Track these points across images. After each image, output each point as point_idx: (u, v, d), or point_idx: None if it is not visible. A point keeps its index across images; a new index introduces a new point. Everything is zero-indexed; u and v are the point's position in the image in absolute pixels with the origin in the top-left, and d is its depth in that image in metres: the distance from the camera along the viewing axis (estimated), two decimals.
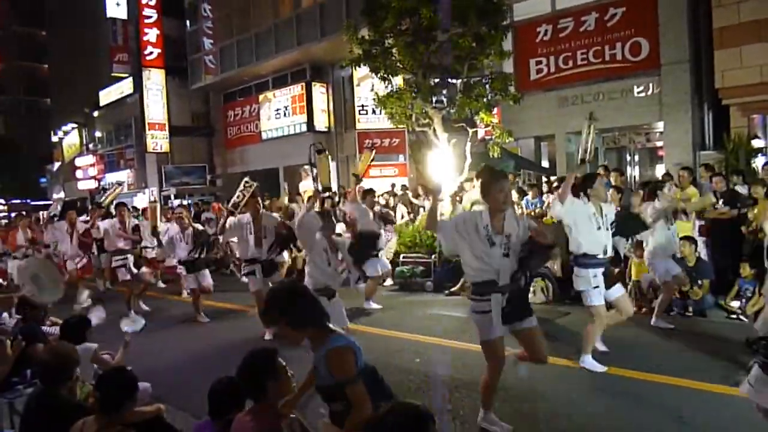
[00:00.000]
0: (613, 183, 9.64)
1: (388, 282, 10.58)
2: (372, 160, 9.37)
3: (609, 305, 5.56)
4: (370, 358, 3.57)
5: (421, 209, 12.50)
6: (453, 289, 9.80)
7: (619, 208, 7.50)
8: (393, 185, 15.51)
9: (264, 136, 23.33)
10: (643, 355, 5.80)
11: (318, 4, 19.56)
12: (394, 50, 11.94)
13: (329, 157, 6.95)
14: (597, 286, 5.35)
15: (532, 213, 10.42)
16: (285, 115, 22.21)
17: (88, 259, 10.92)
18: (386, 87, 12.21)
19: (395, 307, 9.04)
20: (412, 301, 9.33)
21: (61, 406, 3.34)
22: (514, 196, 9.32)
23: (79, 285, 10.61)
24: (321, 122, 21.14)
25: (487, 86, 11.93)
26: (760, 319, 3.21)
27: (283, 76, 22.51)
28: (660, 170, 13.89)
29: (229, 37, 23.44)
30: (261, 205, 7.99)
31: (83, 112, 33.20)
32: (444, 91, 11.39)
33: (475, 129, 12.24)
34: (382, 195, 12.95)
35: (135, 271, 9.57)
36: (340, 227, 8.69)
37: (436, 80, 11.53)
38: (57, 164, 39.97)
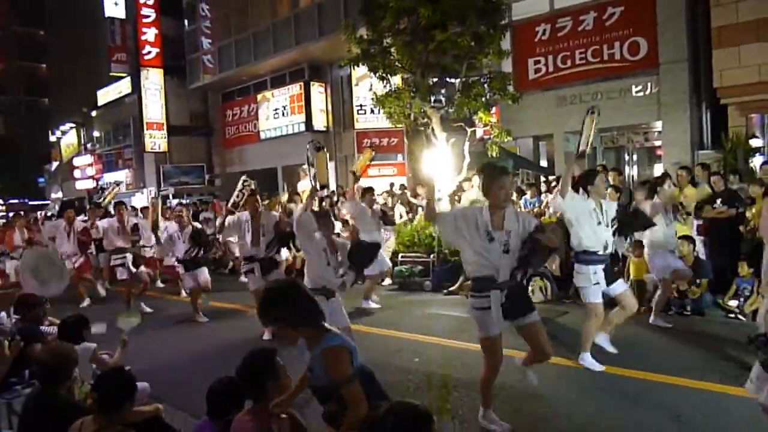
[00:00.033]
0: (612, 182, 9.65)
1: (387, 281, 10.59)
2: (372, 160, 9.36)
3: (613, 302, 5.57)
4: (368, 358, 3.58)
5: (420, 209, 12.50)
6: (452, 289, 9.80)
7: (625, 205, 7.47)
8: (391, 185, 15.52)
9: (262, 135, 23.32)
10: (641, 355, 5.81)
11: (316, 3, 19.56)
12: (392, 50, 11.95)
13: (327, 154, 6.93)
14: (597, 283, 5.36)
15: (531, 212, 10.43)
16: (283, 114, 22.20)
17: (86, 258, 10.90)
18: (385, 86, 12.22)
19: (394, 307, 9.04)
20: (410, 300, 9.34)
21: (60, 407, 3.34)
22: (513, 195, 9.31)
23: (79, 286, 10.60)
24: (319, 122, 21.14)
25: (486, 86, 11.95)
26: (760, 315, 3.24)
27: (282, 76, 22.51)
28: (658, 170, 13.91)
29: (227, 37, 23.43)
30: (260, 203, 7.99)
31: (81, 112, 33.17)
32: (442, 91, 11.42)
33: (473, 128, 12.26)
34: (381, 194, 12.96)
35: (134, 270, 9.56)
36: (338, 227, 8.70)
37: (435, 80, 11.54)
38: (55, 164, 39.92)
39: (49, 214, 12.47)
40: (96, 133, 33.09)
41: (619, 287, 5.52)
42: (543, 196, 11.23)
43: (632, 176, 14.99)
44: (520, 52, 15.22)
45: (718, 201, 8.36)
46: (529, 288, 5.02)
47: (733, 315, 7.30)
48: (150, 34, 26.32)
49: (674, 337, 6.55)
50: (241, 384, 3.02)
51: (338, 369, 2.66)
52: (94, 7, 29.21)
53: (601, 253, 5.36)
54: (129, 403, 3.12)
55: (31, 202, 38.47)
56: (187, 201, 22.47)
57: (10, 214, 22.16)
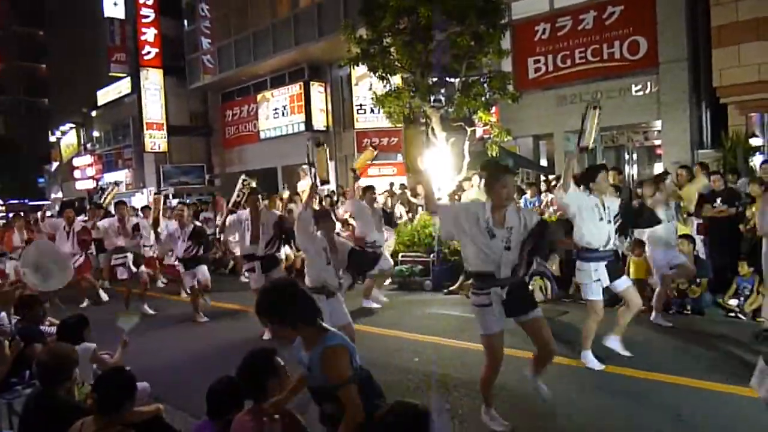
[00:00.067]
0: (612, 181, 9.64)
1: (387, 281, 10.58)
2: (373, 159, 9.35)
3: (614, 300, 5.57)
4: (368, 357, 3.58)
5: (420, 208, 12.50)
6: (452, 288, 9.80)
7: (629, 200, 7.43)
8: (391, 184, 15.51)
9: (262, 135, 23.31)
10: (641, 354, 5.80)
11: (316, 3, 19.55)
12: (392, 49, 11.95)
13: (327, 150, 6.91)
14: (597, 280, 5.37)
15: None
16: (283, 114, 22.19)
17: (86, 258, 10.90)
18: (384, 86, 12.23)
19: (394, 306, 9.04)
20: (410, 300, 9.34)
21: (60, 407, 3.34)
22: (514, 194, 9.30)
23: (81, 284, 10.60)
24: (319, 121, 21.14)
25: (486, 85, 11.96)
26: (764, 310, 3.24)
27: (281, 76, 22.50)
28: (658, 169, 13.90)
29: (227, 37, 23.42)
30: (261, 201, 7.99)
31: (81, 112, 33.16)
32: (442, 90, 11.41)
33: (473, 128, 12.26)
34: (381, 194, 12.96)
35: (134, 269, 9.55)
36: (337, 227, 8.68)
37: (435, 79, 11.54)
38: (55, 164, 39.93)
39: (49, 213, 12.41)
40: (96, 134, 33.09)
41: (623, 284, 5.52)
42: (543, 195, 11.22)
43: (632, 175, 14.98)
44: (519, 52, 15.21)
45: (718, 200, 8.36)
46: (530, 287, 4.97)
47: (733, 314, 7.31)
48: (149, 34, 26.31)
49: (674, 336, 6.55)
50: (240, 384, 3.02)
51: (337, 369, 2.63)
52: (94, 7, 29.19)
53: (602, 249, 5.37)
54: (129, 403, 3.12)
55: (31, 203, 38.48)
56: (188, 201, 22.48)
57: (10, 215, 22.17)
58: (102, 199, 12.35)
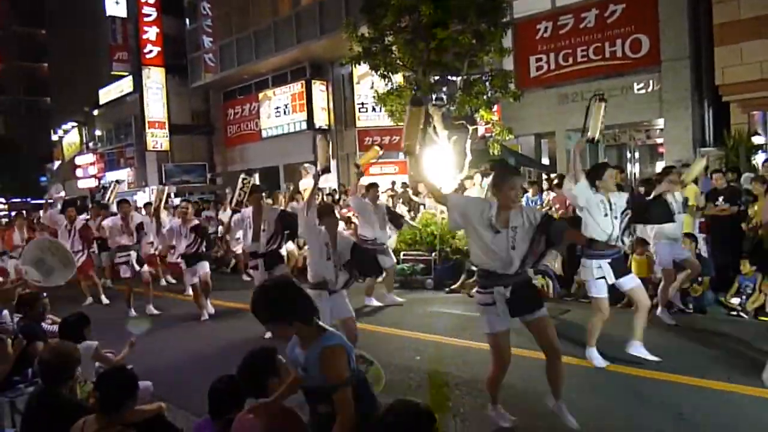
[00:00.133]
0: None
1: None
2: (378, 158, 9.31)
3: (620, 296, 5.53)
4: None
5: (422, 207, 12.49)
6: (453, 287, 9.81)
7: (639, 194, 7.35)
8: (393, 183, 15.52)
9: (264, 134, 23.33)
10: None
11: (317, 2, 19.55)
12: (393, 48, 11.94)
13: (329, 140, 6.86)
14: (601, 277, 5.34)
15: None
16: (285, 113, 22.20)
17: (88, 257, 10.92)
18: (386, 84, 12.22)
19: (392, 304, 9.02)
20: (412, 298, 9.33)
21: (62, 405, 3.35)
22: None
23: (82, 285, 10.62)
24: (321, 120, 21.14)
25: (487, 83, 11.94)
26: None
27: (283, 74, 22.50)
28: (660, 167, 13.88)
29: (228, 36, 23.43)
30: (264, 199, 7.97)
31: (83, 111, 33.19)
32: (444, 89, 11.40)
33: (475, 126, 12.23)
34: (384, 192, 12.96)
35: (137, 268, 9.56)
36: (341, 226, 8.67)
37: (436, 77, 11.53)
38: (57, 163, 39.99)
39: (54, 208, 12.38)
40: (98, 132, 33.14)
41: (629, 282, 5.47)
42: (545, 194, 11.20)
43: (634, 174, 14.97)
44: (521, 50, 15.21)
45: (720, 198, 8.35)
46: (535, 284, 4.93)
47: (735, 313, 7.30)
48: (151, 32, 26.32)
49: (676, 334, 6.55)
50: (241, 383, 3.02)
51: (336, 369, 2.57)
52: (94, 6, 29.23)
53: (606, 246, 5.34)
54: (131, 402, 3.13)
55: (33, 201, 38.55)
56: (188, 199, 22.50)
57: (12, 213, 22.21)
58: (107, 199, 12.32)
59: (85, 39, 32.55)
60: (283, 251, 8.48)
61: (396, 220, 9.35)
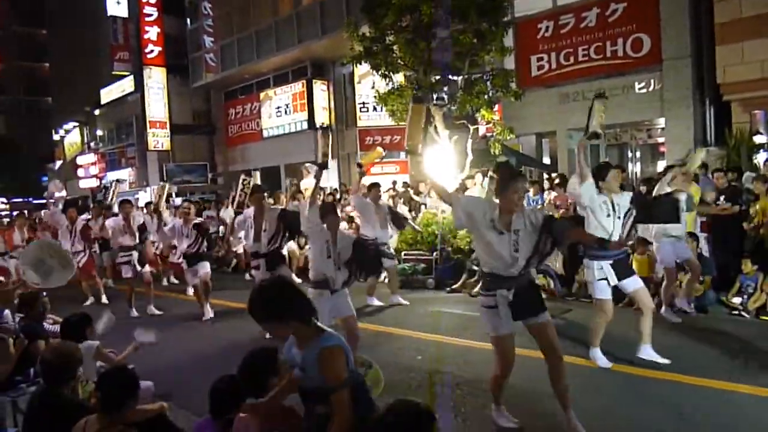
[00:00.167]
0: None
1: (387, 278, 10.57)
2: (381, 158, 9.29)
3: (621, 296, 5.49)
4: (370, 356, 3.58)
5: (423, 206, 12.49)
6: (454, 287, 9.82)
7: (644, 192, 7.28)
8: (394, 182, 15.51)
9: (265, 134, 23.34)
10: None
11: (318, 1, 19.54)
12: (394, 47, 11.95)
13: (330, 136, 6.80)
14: (604, 278, 5.31)
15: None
16: (286, 112, 22.21)
17: (90, 257, 10.93)
18: (387, 84, 12.22)
19: (396, 304, 9.03)
20: (413, 298, 9.33)
21: (64, 405, 3.35)
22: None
23: (83, 285, 10.62)
24: (322, 119, 21.12)
25: (488, 83, 11.94)
26: None
27: (284, 74, 22.50)
28: (662, 166, 13.86)
29: (229, 35, 23.43)
30: (265, 199, 7.95)
31: (84, 111, 33.22)
32: (445, 88, 11.39)
33: (476, 126, 12.23)
34: (386, 191, 12.95)
35: (139, 268, 9.57)
36: (343, 225, 8.67)
37: (437, 77, 11.52)
38: (59, 163, 40.04)
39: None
40: (99, 132, 33.16)
41: (633, 284, 5.42)
42: (546, 193, 11.20)
43: (635, 173, 14.95)
44: (522, 49, 15.19)
45: (722, 198, 8.34)
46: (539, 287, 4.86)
47: (736, 312, 7.30)
48: (152, 32, 26.35)
49: (678, 334, 6.54)
50: (242, 383, 3.03)
51: (334, 371, 2.56)
52: (95, 6, 29.26)
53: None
54: (132, 401, 3.13)
55: (34, 201, 38.62)
56: (189, 199, 22.50)
57: (14, 213, 22.24)
58: (110, 200, 12.32)
59: (85, 39, 32.58)
60: (285, 251, 8.48)
61: (398, 220, 9.34)
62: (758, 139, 11.48)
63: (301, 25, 20.27)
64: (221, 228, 13.28)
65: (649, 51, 13.50)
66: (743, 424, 4.25)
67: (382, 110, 14.62)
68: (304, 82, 21.25)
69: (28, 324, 5.03)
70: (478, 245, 4.15)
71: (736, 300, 7.39)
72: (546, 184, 11.57)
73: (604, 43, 14.10)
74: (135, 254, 9.61)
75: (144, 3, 26.13)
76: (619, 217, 5.32)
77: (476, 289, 9.25)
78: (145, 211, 12.06)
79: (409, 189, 14.16)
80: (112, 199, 12.25)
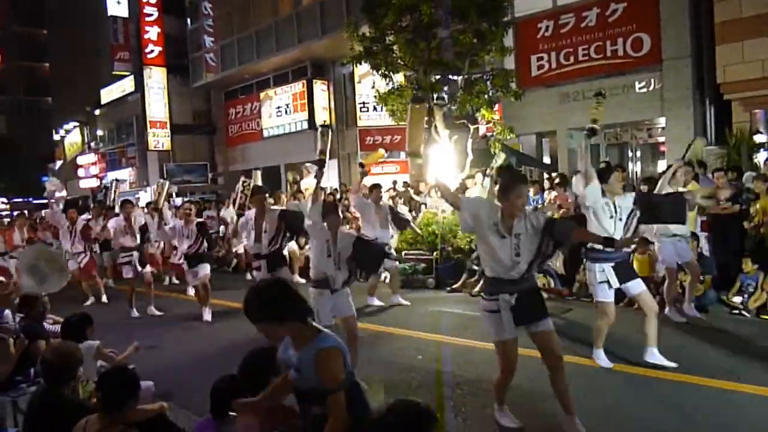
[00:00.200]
0: None
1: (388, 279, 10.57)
2: (382, 159, 9.26)
3: (622, 296, 5.47)
4: (371, 355, 3.58)
5: (423, 206, 12.49)
6: (455, 286, 9.81)
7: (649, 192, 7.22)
8: (394, 182, 15.50)
9: (265, 133, 23.36)
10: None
11: (318, 1, 19.55)
12: (394, 47, 11.95)
13: (330, 135, 6.75)
14: (605, 281, 5.28)
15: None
16: (286, 112, 22.22)
17: (91, 257, 10.93)
18: (387, 84, 12.21)
19: (397, 304, 9.03)
20: (413, 298, 9.33)
21: (65, 405, 3.35)
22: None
23: (83, 285, 10.62)
24: (322, 119, 21.12)
25: (488, 83, 11.93)
26: None
27: (284, 74, 22.51)
28: (662, 166, 13.86)
29: (230, 35, 23.45)
30: (267, 201, 7.94)
31: (85, 111, 33.24)
32: (445, 88, 11.39)
33: (476, 125, 12.22)
34: (387, 191, 12.95)
35: (140, 269, 9.57)
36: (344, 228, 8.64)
37: (437, 77, 11.52)
38: (59, 163, 40.06)
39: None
40: (99, 132, 33.18)
41: (636, 287, 5.36)
42: (546, 193, 11.19)
43: (636, 173, 14.94)
44: (522, 49, 15.20)
45: (722, 197, 8.32)
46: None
47: (737, 311, 7.29)
48: (153, 32, 26.37)
49: (678, 334, 6.53)
50: (242, 383, 3.03)
51: (332, 372, 2.53)
52: (95, 6, 29.27)
53: (608, 249, 5.22)
54: (132, 401, 3.13)
55: (35, 201, 38.60)
56: (190, 199, 22.50)
57: (14, 213, 22.25)
58: (111, 200, 12.32)
59: (85, 39, 32.60)
60: (286, 252, 8.46)
61: (399, 222, 9.33)
62: (758, 138, 11.49)
63: (301, 25, 20.28)
64: (221, 228, 13.29)
65: (649, 50, 13.51)
66: (744, 424, 4.25)
67: (382, 110, 14.62)
68: (305, 82, 21.27)
69: (28, 324, 5.03)
70: (481, 248, 4.13)
71: (737, 299, 7.38)
72: (546, 184, 11.56)
73: (605, 42, 14.11)
74: (136, 254, 9.61)
75: (144, 3, 26.15)
76: (620, 219, 5.28)
77: (476, 289, 9.27)
78: (145, 210, 12.05)
79: (409, 189, 14.16)
80: (114, 199, 12.25)
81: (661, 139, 14.43)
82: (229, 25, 23.61)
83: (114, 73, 28.35)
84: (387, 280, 10.05)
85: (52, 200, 11.15)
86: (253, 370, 2.95)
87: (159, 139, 26.46)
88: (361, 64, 12.56)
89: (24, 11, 48.55)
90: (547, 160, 16.16)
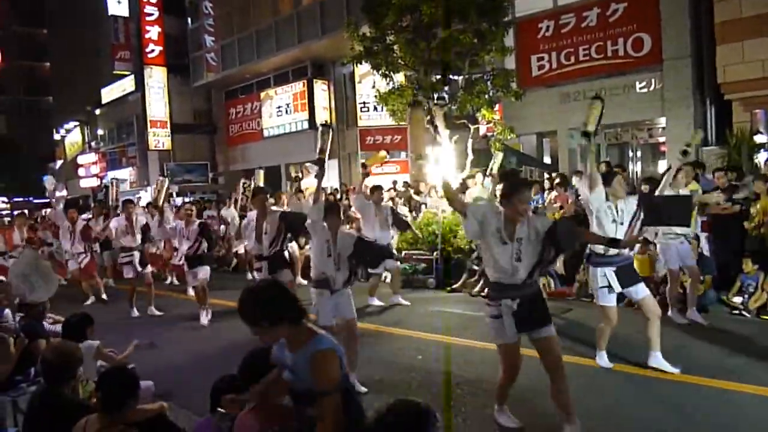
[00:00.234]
0: None
1: (389, 279, 10.57)
2: (384, 160, 9.24)
3: (623, 296, 5.46)
4: (371, 355, 3.58)
5: (423, 206, 12.48)
6: (455, 286, 9.81)
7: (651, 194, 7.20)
8: (395, 182, 15.51)
9: (266, 133, 23.36)
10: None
11: (318, 1, 19.55)
12: (395, 47, 11.95)
13: (330, 134, 6.70)
14: (607, 286, 5.24)
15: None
16: (286, 112, 22.22)
17: (92, 257, 10.92)
18: (387, 84, 12.22)
19: (397, 304, 9.03)
20: (414, 298, 9.33)
21: (65, 405, 3.35)
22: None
23: (83, 284, 10.62)
24: (322, 119, 21.08)
25: (489, 83, 11.93)
26: None
27: (285, 74, 22.51)
28: (662, 166, 13.85)
29: (230, 35, 23.45)
30: (268, 200, 7.92)
31: (85, 110, 33.25)
32: (445, 88, 11.39)
33: (476, 125, 12.23)
34: (387, 191, 12.95)
35: (140, 269, 9.56)
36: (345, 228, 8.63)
37: (438, 77, 11.52)
38: (59, 162, 40.06)
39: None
40: (100, 131, 33.18)
41: (640, 292, 5.33)
42: (546, 193, 11.19)
43: (636, 173, 14.94)
44: (523, 49, 15.20)
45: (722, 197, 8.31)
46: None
47: (737, 311, 7.29)
48: (153, 32, 26.36)
49: (679, 334, 6.53)
50: (242, 383, 3.02)
51: (327, 374, 2.51)
52: (95, 6, 29.28)
53: (610, 254, 5.24)
54: (132, 401, 3.13)
55: (35, 201, 38.60)
56: (191, 199, 22.52)
57: (15, 212, 22.25)
58: (112, 199, 12.31)
59: (85, 38, 32.60)
60: (287, 254, 8.44)
61: (400, 223, 9.34)
62: (759, 138, 11.48)
63: (302, 24, 20.28)
64: (222, 227, 13.29)
65: (649, 51, 13.50)
66: (743, 424, 4.25)
67: (382, 110, 14.63)
68: (305, 81, 21.27)
69: (28, 323, 5.04)
70: (484, 254, 4.12)
71: (737, 299, 7.38)
72: (546, 184, 11.56)
73: (605, 42, 14.10)
74: (137, 254, 9.61)
75: (145, 2, 26.15)
76: (621, 223, 5.25)
77: (476, 289, 9.28)
78: (146, 210, 12.05)
79: (409, 189, 14.15)
80: (116, 199, 12.23)
81: (662, 139, 14.42)
82: (229, 24, 23.61)
83: (114, 72, 28.34)
84: (387, 280, 10.06)
85: (53, 199, 11.16)
86: (253, 370, 2.95)
87: (159, 138, 26.45)
88: (361, 63, 12.57)
89: (24, 11, 48.53)
90: (547, 160, 16.16)
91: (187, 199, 22.16)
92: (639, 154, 15.34)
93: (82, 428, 3.00)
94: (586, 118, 5.18)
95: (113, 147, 31.64)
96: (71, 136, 37.08)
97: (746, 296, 7.31)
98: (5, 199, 39.45)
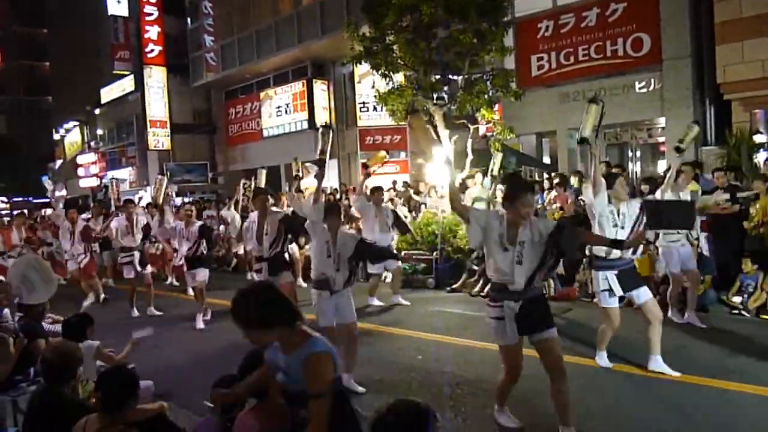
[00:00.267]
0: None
1: (389, 279, 10.57)
2: (384, 160, 9.24)
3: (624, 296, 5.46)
4: (371, 356, 3.58)
5: (423, 206, 12.49)
6: (455, 286, 9.82)
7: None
8: (394, 182, 15.50)
9: (265, 133, 23.35)
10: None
11: (318, 1, 19.54)
12: (394, 47, 11.95)
13: (331, 135, 6.70)
14: (608, 289, 5.24)
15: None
16: (286, 112, 22.21)
17: (91, 257, 10.91)
18: (387, 84, 12.22)
19: (397, 304, 9.03)
20: (413, 298, 9.33)
21: (64, 405, 3.35)
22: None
23: (83, 284, 10.61)
24: (322, 119, 21.09)
25: (488, 83, 11.93)
26: None
27: (284, 74, 22.50)
28: (662, 166, 13.85)
29: (230, 35, 23.44)
30: (268, 201, 7.90)
31: (85, 110, 33.23)
32: (445, 88, 11.39)
33: (476, 125, 12.23)
34: (387, 191, 12.94)
35: (140, 269, 9.56)
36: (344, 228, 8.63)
37: (437, 77, 11.52)
38: (59, 162, 40.05)
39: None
40: (99, 131, 33.18)
41: (643, 296, 5.31)
42: (546, 193, 11.19)
43: (635, 173, 14.94)
44: (522, 49, 15.19)
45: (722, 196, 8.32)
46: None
47: (737, 311, 7.30)
48: (153, 32, 26.35)
49: (678, 333, 6.54)
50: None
51: (321, 377, 2.50)
52: (95, 6, 29.27)
53: (612, 258, 5.23)
54: (132, 401, 3.13)
55: (35, 200, 38.59)
56: (191, 199, 22.52)
57: (14, 212, 22.22)
58: (112, 199, 12.31)
59: (85, 38, 32.60)
60: (287, 255, 8.42)
61: (401, 226, 9.34)
62: (758, 138, 11.49)
63: (302, 24, 20.27)
64: (222, 227, 13.29)
65: (649, 50, 13.50)
66: (744, 424, 4.25)
67: (382, 110, 14.61)
68: (305, 81, 21.26)
69: (27, 323, 5.03)
70: (488, 257, 4.12)
71: (737, 299, 7.39)
72: (546, 184, 11.55)
73: (605, 42, 14.10)
74: (137, 254, 9.61)
75: (144, 2, 26.14)
76: (623, 228, 5.22)
77: (476, 289, 9.28)
78: (146, 210, 12.04)
79: (409, 189, 14.16)
80: (118, 199, 12.24)
81: (661, 139, 14.42)
82: (229, 24, 23.61)
83: (114, 72, 28.32)
84: (387, 280, 10.07)
85: (53, 200, 11.16)
86: (253, 370, 2.95)
87: (159, 138, 26.44)
88: (361, 63, 12.57)
89: (24, 11, 48.53)
90: (547, 160, 16.16)
91: (186, 199, 22.14)
92: (638, 154, 15.33)
93: (82, 428, 3.00)
94: (583, 123, 5.18)
95: (113, 147, 31.63)
96: (71, 135, 37.06)
97: (746, 296, 7.32)
98: (5, 198, 39.44)
